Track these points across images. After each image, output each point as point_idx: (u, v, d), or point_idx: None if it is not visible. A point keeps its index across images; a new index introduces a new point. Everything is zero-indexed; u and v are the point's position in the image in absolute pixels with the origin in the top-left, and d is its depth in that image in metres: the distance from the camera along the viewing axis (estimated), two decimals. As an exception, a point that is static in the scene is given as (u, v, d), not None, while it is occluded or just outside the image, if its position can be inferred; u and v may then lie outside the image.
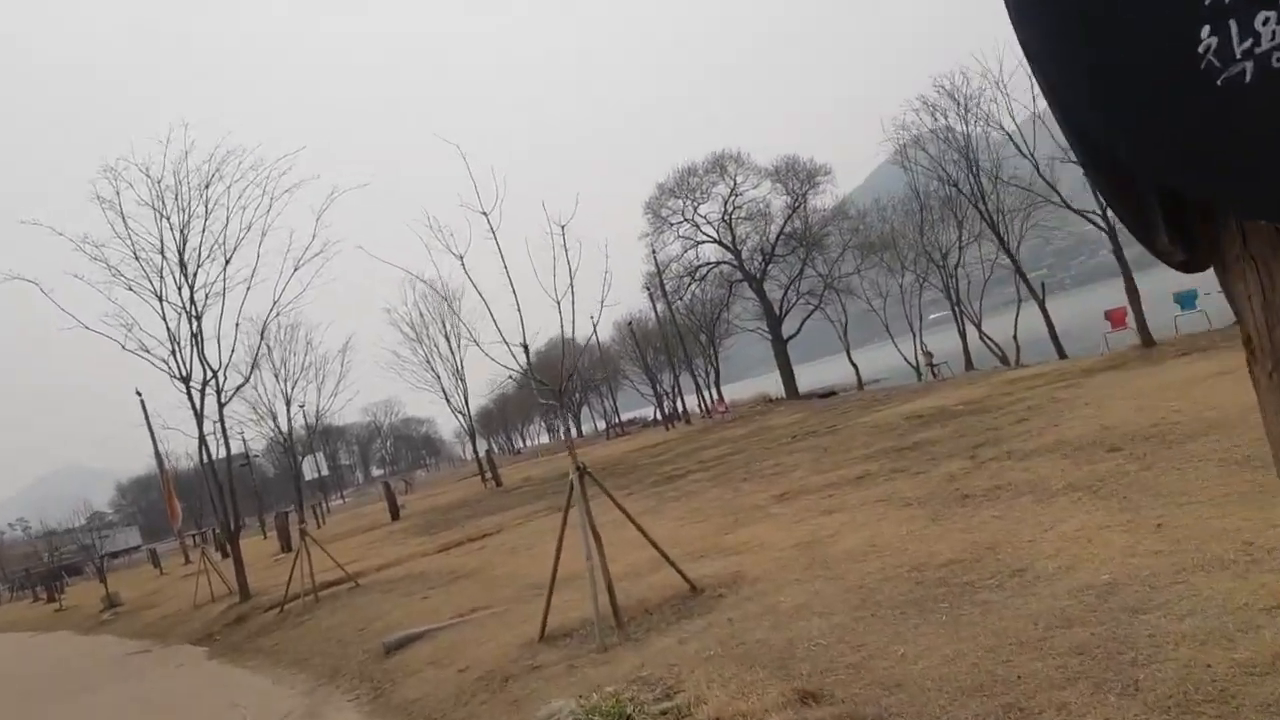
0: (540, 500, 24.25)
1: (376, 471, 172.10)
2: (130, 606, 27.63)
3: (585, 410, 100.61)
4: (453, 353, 46.31)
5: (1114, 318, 21.84)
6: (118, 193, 18.10)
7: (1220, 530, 5.47)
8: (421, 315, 46.90)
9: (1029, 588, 5.42)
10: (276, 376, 40.14)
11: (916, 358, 39.38)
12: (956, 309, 34.87)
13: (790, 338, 46.39)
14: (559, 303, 7.81)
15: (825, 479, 12.52)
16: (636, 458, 32.00)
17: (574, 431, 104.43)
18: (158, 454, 36.73)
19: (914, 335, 39.44)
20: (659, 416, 74.17)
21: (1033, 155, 20.96)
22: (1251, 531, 5.27)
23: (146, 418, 34.86)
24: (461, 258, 8.08)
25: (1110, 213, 20.39)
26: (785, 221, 45.37)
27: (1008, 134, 21.46)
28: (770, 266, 46.05)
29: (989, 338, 34.37)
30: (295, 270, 19.31)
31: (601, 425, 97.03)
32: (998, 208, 27.72)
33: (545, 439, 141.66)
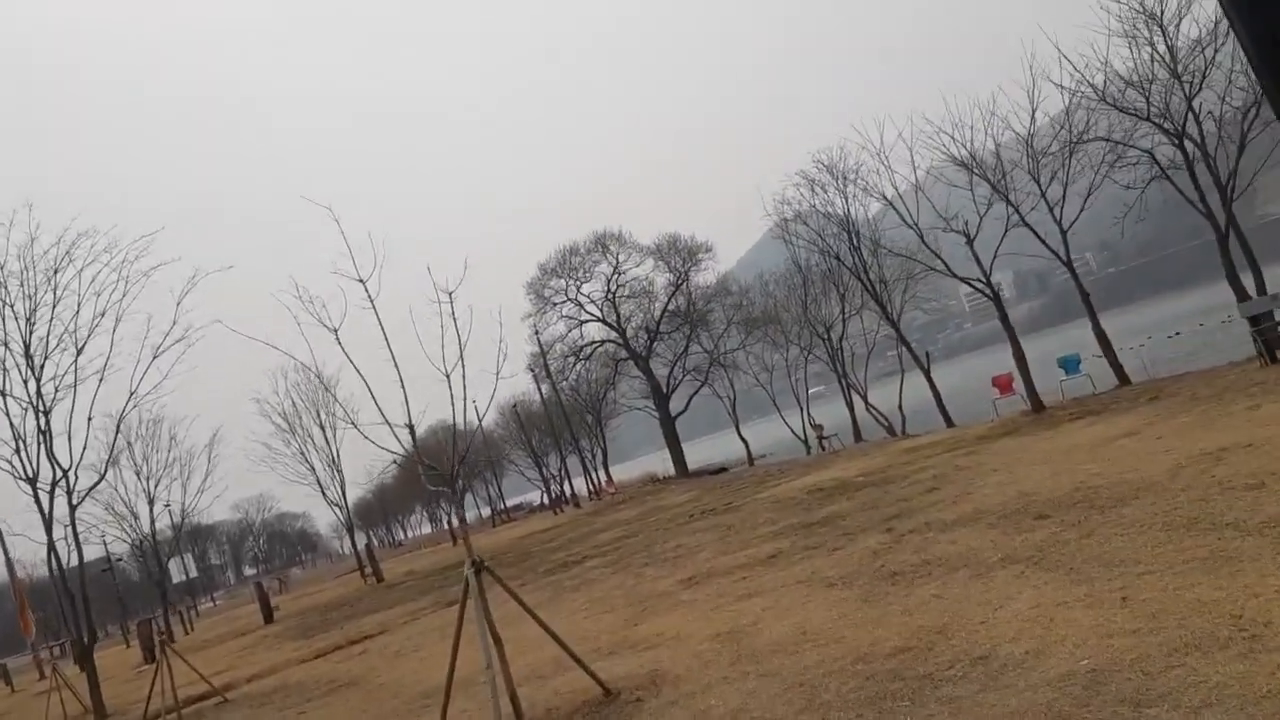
0: (425, 596, 22.91)
1: (249, 571, 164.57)
2: (-32, 735, 24.96)
3: (469, 496, 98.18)
4: (328, 442, 44.35)
5: (1000, 384, 22.01)
6: (-51, 276, 16.56)
7: (1197, 602, 4.96)
8: (294, 404, 44.87)
9: (998, 678, 4.78)
10: (138, 474, 37.72)
11: (804, 430, 39.39)
12: (843, 381, 35.06)
13: (678, 415, 46.07)
14: (448, 376, 7.02)
15: (734, 560, 11.84)
16: (527, 544, 30.86)
17: (458, 520, 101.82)
18: (8, 562, 33.88)
19: (801, 408, 39.52)
20: (546, 500, 72.85)
21: (916, 224, 21.17)
22: (1232, 603, 4.78)
23: (-6, 525, 32.17)
24: (336, 331, 7.23)
25: (994, 279, 20.68)
26: (669, 299, 45.42)
27: (889, 203, 21.66)
28: (655, 344, 45.86)
29: (875, 408, 34.60)
30: (154, 358, 17.91)
31: (486, 512, 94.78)
32: (880, 278, 28.06)
33: (428, 529, 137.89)
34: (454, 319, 7.24)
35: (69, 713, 19.91)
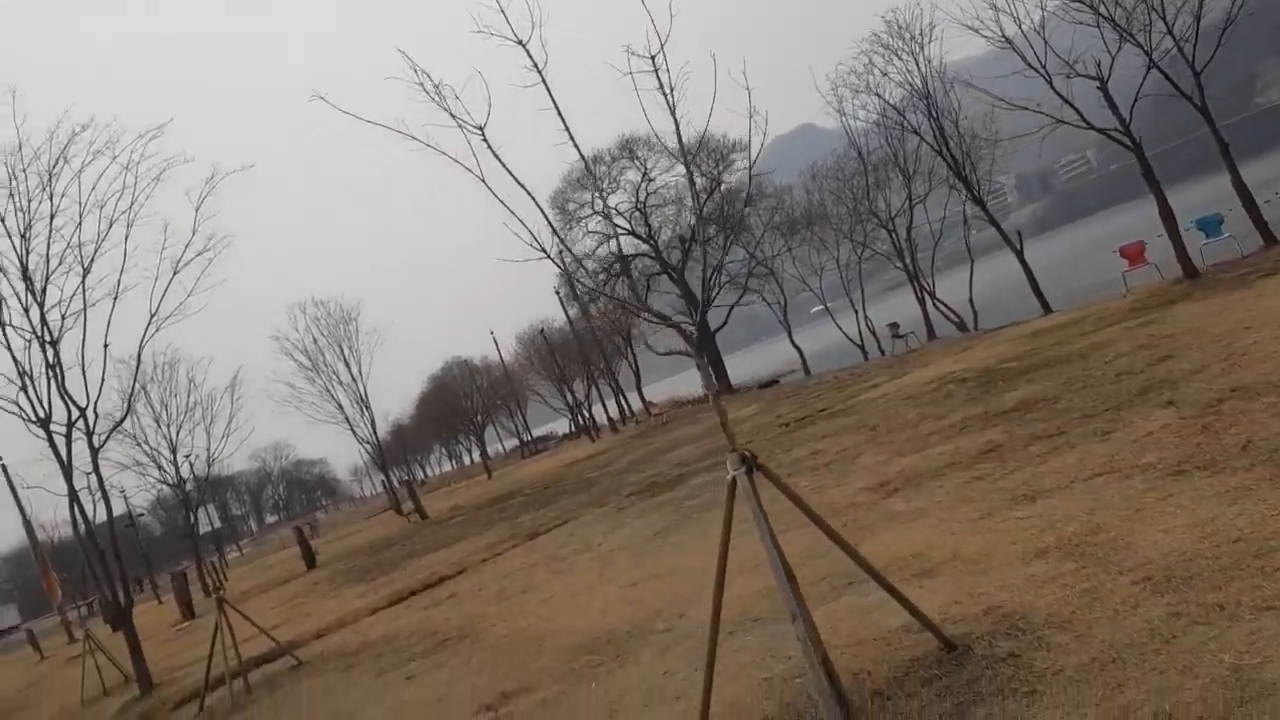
0: (490, 529, 20.71)
1: (270, 519, 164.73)
2: (1, 705, 22.95)
3: (490, 429, 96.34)
4: (355, 379, 42.11)
5: (1129, 255, 19.41)
6: (-72, 184, 13.98)
7: None
8: (316, 341, 42.47)
9: None
10: (157, 421, 35.34)
11: (860, 334, 36.93)
12: (915, 276, 32.39)
13: (718, 329, 43.54)
14: (687, 160, 4.50)
15: (927, 461, 9.45)
16: (581, 471, 28.61)
17: (479, 455, 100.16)
18: (26, 523, 31.85)
19: (857, 311, 36.90)
20: (574, 429, 70.87)
21: (1044, 67, 18.37)
22: None
23: (10, 483, 30.11)
24: (481, 129, 4.72)
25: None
26: (702, 205, 42.49)
27: (1009, 43, 18.77)
28: (691, 253, 43.06)
29: (943, 303, 32.15)
30: (174, 274, 15.41)
31: (512, 444, 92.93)
32: (962, 151, 25.33)
33: (447, 467, 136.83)
34: (664, 91, 4.77)
35: (106, 681, 17.88)
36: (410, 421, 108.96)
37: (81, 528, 15.59)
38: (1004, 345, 17.52)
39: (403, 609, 13.75)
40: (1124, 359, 10.87)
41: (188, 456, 37.40)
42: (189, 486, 37.99)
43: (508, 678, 7.56)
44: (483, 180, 4.54)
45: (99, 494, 16.07)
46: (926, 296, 31.99)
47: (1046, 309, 23.85)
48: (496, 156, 4.73)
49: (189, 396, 36.19)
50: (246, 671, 11.90)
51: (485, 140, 4.79)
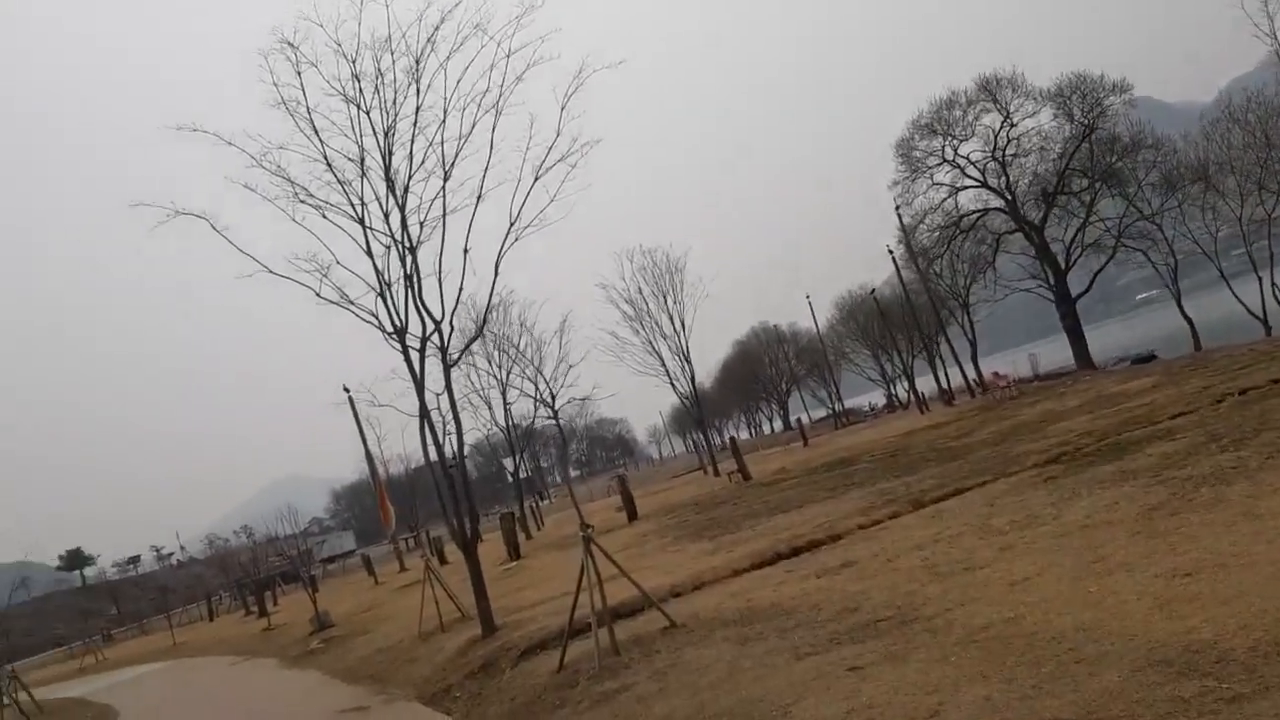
0: (842, 494, 18.21)
1: (573, 473, 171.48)
2: (342, 629, 23.25)
3: (796, 397, 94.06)
4: (677, 333, 40.86)
5: None
6: (299, 73, 13.13)
7: None
8: (640, 291, 41.48)
9: None
10: (489, 360, 35.71)
11: (1263, 305, 31.13)
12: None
13: (1080, 295, 38.52)
14: None
15: None
16: (932, 440, 25.42)
17: (780, 424, 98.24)
18: (366, 450, 32.92)
19: (1263, 279, 31.00)
20: (892, 400, 67.21)
21: None
22: None
23: (354, 413, 31.16)
24: None
25: None
26: (1070, 155, 37.39)
27: None
28: (1054, 206, 38.04)
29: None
30: (536, 180, 13.99)
31: (815, 415, 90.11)
32: None
33: (744, 434, 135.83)
34: None
35: (444, 617, 17.14)
36: (713, 385, 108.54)
37: (431, 446, 14.63)
38: None
39: (780, 573, 11.57)
40: None
41: (517, 396, 37.73)
42: (500, 439, 38.36)
43: (1046, 694, 5.06)
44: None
45: (449, 414, 15.05)
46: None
47: None
48: None
49: (520, 339, 36.41)
50: (611, 624, 10.14)
51: None
